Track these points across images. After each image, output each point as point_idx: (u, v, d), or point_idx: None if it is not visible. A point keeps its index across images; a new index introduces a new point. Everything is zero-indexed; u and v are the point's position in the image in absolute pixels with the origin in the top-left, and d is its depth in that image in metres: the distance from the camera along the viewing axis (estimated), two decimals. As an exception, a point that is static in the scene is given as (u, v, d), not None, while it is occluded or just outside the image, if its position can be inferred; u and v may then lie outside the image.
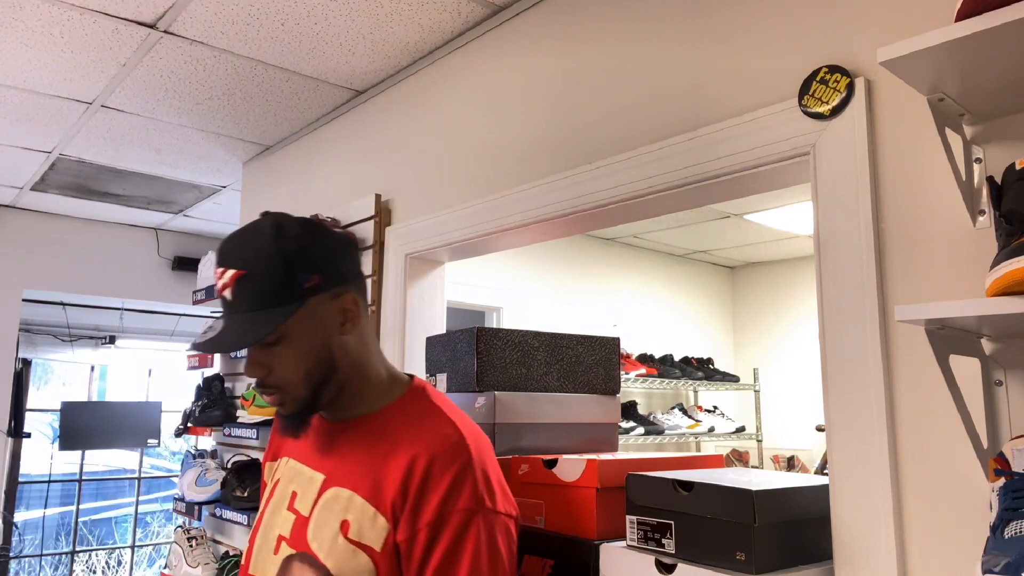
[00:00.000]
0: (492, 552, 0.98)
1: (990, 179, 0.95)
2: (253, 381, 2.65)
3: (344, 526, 1.01)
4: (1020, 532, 0.84)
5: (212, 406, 2.81)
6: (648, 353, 4.32)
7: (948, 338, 1.02)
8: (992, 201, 0.94)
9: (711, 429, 4.42)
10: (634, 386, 4.08)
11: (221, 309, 1.06)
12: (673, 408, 4.45)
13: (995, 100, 1.06)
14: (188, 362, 3.03)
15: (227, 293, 1.02)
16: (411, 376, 1.18)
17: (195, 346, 1.03)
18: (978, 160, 1.11)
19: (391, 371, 1.16)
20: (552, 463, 1.48)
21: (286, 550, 1.06)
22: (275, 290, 1.01)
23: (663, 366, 4.24)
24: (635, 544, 1.29)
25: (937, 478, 1.10)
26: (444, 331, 2.22)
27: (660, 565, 1.22)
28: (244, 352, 1.06)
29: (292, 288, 1.01)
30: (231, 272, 1.01)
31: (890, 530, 1.11)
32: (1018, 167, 0.91)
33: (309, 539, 1.03)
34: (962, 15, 0.91)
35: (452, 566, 0.96)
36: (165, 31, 2.16)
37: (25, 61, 2.35)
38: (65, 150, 3.21)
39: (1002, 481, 0.91)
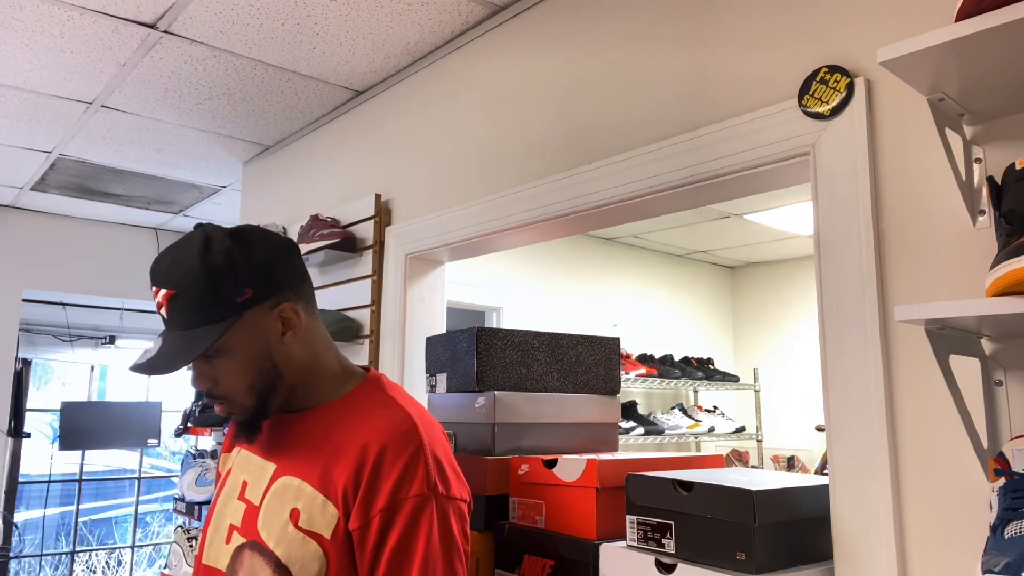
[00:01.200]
0: (446, 536, 0.99)
1: (990, 179, 0.95)
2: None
3: (294, 514, 1.02)
4: (1020, 532, 0.84)
5: (212, 406, 2.80)
6: (648, 353, 4.32)
7: (948, 338, 1.02)
8: (992, 201, 0.94)
9: (711, 429, 4.41)
10: (634, 386, 4.07)
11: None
12: (673, 408, 4.45)
13: (995, 100, 1.06)
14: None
15: (163, 311, 1.03)
16: (367, 368, 1.19)
17: (134, 367, 1.03)
18: (978, 160, 1.11)
19: (345, 365, 1.17)
20: (552, 463, 1.48)
21: (237, 539, 1.07)
22: (206, 307, 1.01)
23: (663, 366, 4.24)
24: (635, 544, 1.29)
25: (937, 478, 1.10)
26: (444, 331, 2.22)
27: (660, 565, 1.22)
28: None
29: (224, 304, 1.02)
30: (163, 291, 1.02)
31: (890, 530, 1.11)
32: (1018, 167, 0.91)
33: (259, 527, 1.04)
34: (962, 15, 0.91)
35: (407, 552, 0.97)
36: (165, 31, 2.16)
37: (25, 61, 2.35)
38: (65, 150, 3.21)
39: (1002, 481, 0.91)
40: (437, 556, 0.97)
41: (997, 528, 0.88)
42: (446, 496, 1.01)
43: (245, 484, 1.12)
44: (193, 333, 1.01)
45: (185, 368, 1.05)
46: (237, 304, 1.02)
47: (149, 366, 1.01)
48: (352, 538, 0.99)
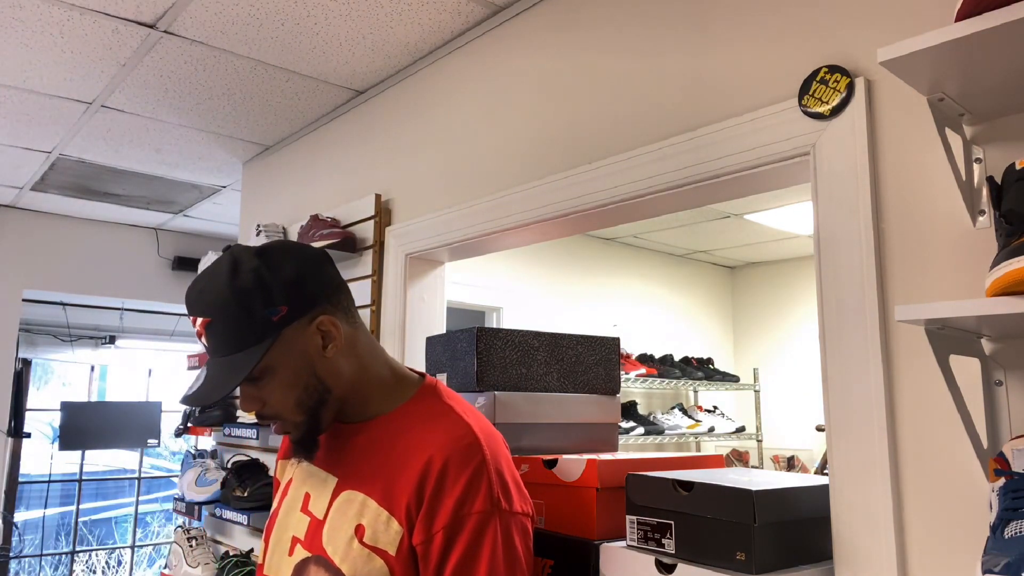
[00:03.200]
0: (509, 553, 0.98)
1: (990, 179, 0.95)
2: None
3: (359, 530, 1.01)
4: (1020, 532, 0.84)
5: (212, 406, 2.81)
6: (648, 353, 4.32)
7: (948, 338, 1.02)
8: (992, 201, 0.94)
9: (711, 429, 4.41)
10: (634, 386, 4.07)
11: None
12: (673, 408, 4.45)
13: (995, 100, 1.06)
14: (188, 362, 3.03)
15: (203, 340, 1.03)
16: (422, 374, 1.17)
17: (183, 400, 1.03)
18: (978, 160, 1.11)
19: (397, 371, 1.15)
20: (552, 463, 1.48)
21: (301, 552, 1.06)
22: (242, 331, 1.00)
23: (663, 366, 4.24)
24: (635, 544, 1.29)
25: (937, 478, 1.10)
26: (444, 331, 2.22)
27: (660, 565, 1.22)
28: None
29: (259, 325, 1.01)
30: (200, 320, 1.02)
31: (890, 530, 1.11)
32: (1018, 167, 0.91)
33: (324, 543, 1.03)
34: (962, 15, 0.91)
35: (470, 569, 0.96)
36: (165, 31, 2.16)
37: (25, 61, 2.35)
38: (65, 150, 3.21)
39: (1002, 481, 0.91)
40: (500, 572, 0.96)
41: (997, 528, 0.88)
42: (509, 512, 1.00)
43: (308, 496, 1.11)
44: (234, 359, 1.00)
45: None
46: (273, 323, 1.01)
47: (196, 398, 1.01)
48: (416, 553, 0.99)
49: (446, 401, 1.11)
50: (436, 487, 0.98)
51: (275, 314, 1.01)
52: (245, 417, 2.56)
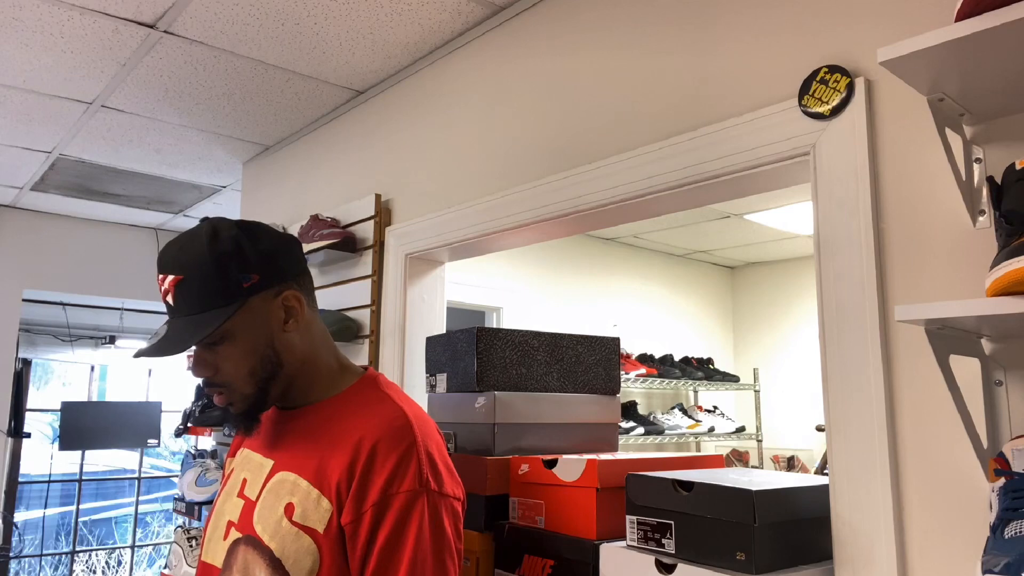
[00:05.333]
0: (437, 532, 0.99)
1: (990, 179, 0.95)
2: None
3: (288, 509, 1.02)
4: (1020, 532, 0.84)
5: (212, 406, 2.81)
6: (648, 353, 4.32)
7: (948, 338, 1.02)
8: (992, 201, 0.94)
9: (711, 429, 4.41)
10: (634, 386, 4.07)
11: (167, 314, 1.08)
12: (673, 408, 4.45)
13: (995, 100, 1.06)
14: (188, 362, 3.03)
15: (169, 298, 1.05)
16: (365, 367, 1.20)
17: (140, 352, 1.05)
18: (978, 160, 1.11)
19: (343, 362, 1.18)
20: (552, 463, 1.48)
21: (234, 534, 1.07)
22: (213, 292, 1.03)
23: (663, 366, 4.24)
24: (635, 544, 1.29)
25: (937, 478, 1.10)
26: (444, 331, 2.22)
27: (660, 565, 1.22)
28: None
29: (230, 288, 1.04)
30: (171, 278, 1.04)
31: (890, 530, 1.11)
32: (1018, 167, 0.91)
33: (254, 522, 1.05)
34: (962, 15, 0.91)
35: (397, 547, 0.97)
36: (165, 31, 2.16)
37: (25, 61, 2.35)
38: (65, 150, 3.21)
39: (1002, 481, 0.91)
40: (427, 552, 0.97)
41: (997, 528, 0.88)
42: (439, 493, 1.01)
43: (245, 481, 1.13)
44: (198, 318, 1.03)
45: (186, 356, 1.06)
46: (243, 289, 1.04)
47: (155, 349, 1.02)
48: (344, 533, 1.00)
49: (383, 390, 1.13)
50: (366, 466, 1.00)
51: (247, 280, 1.05)
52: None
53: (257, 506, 1.07)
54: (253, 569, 1.01)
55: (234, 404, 1.09)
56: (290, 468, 1.07)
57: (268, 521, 1.03)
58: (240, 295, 1.04)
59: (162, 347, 1.02)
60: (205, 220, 1.09)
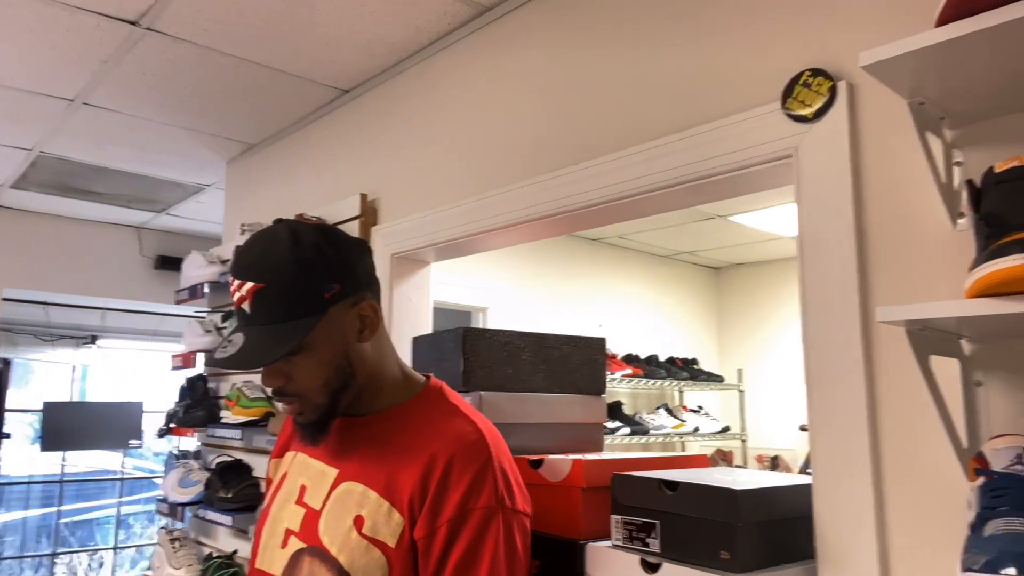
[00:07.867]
0: (510, 550, 0.98)
1: (969, 182, 0.96)
2: (238, 381, 2.61)
3: (358, 521, 1.00)
4: (999, 531, 0.85)
5: (196, 406, 2.79)
6: (633, 353, 4.33)
7: (929, 339, 1.03)
8: (971, 204, 0.95)
9: (696, 429, 4.44)
10: (620, 386, 4.09)
11: (237, 320, 1.03)
12: (658, 408, 4.47)
13: (974, 104, 1.07)
14: (172, 362, 3.00)
15: (245, 306, 1.00)
16: (428, 376, 1.18)
17: (215, 362, 0.99)
18: (958, 163, 1.12)
19: (406, 371, 1.16)
20: (538, 463, 1.48)
21: (295, 544, 1.05)
22: (295, 301, 0.99)
23: (648, 366, 4.25)
24: (620, 543, 1.29)
25: (918, 477, 1.11)
26: (431, 331, 2.22)
27: (645, 564, 1.22)
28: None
29: (313, 298, 1.00)
30: (249, 285, 0.99)
31: (872, 529, 1.12)
32: (997, 170, 0.92)
33: (320, 533, 1.02)
34: (943, 20, 0.92)
35: (472, 563, 0.96)
36: (148, 28, 2.14)
37: (5, 57, 2.32)
38: (46, 147, 3.17)
39: (981, 480, 0.92)
40: (501, 569, 0.96)
41: (976, 527, 0.89)
42: (512, 509, 1.00)
43: (304, 488, 1.10)
44: (279, 328, 0.99)
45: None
46: (325, 299, 1.01)
47: (234, 361, 0.97)
48: (417, 547, 0.98)
49: (450, 400, 1.11)
50: (441, 481, 0.98)
51: (329, 290, 1.01)
52: (229, 418, 2.54)
53: (322, 516, 1.04)
54: None
55: (304, 414, 1.05)
56: (357, 478, 1.04)
57: (336, 532, 1.01)
58: (322, 305, 1.01)
59: (242, 359, 0.97)
60: (280, 222, 1.05)
